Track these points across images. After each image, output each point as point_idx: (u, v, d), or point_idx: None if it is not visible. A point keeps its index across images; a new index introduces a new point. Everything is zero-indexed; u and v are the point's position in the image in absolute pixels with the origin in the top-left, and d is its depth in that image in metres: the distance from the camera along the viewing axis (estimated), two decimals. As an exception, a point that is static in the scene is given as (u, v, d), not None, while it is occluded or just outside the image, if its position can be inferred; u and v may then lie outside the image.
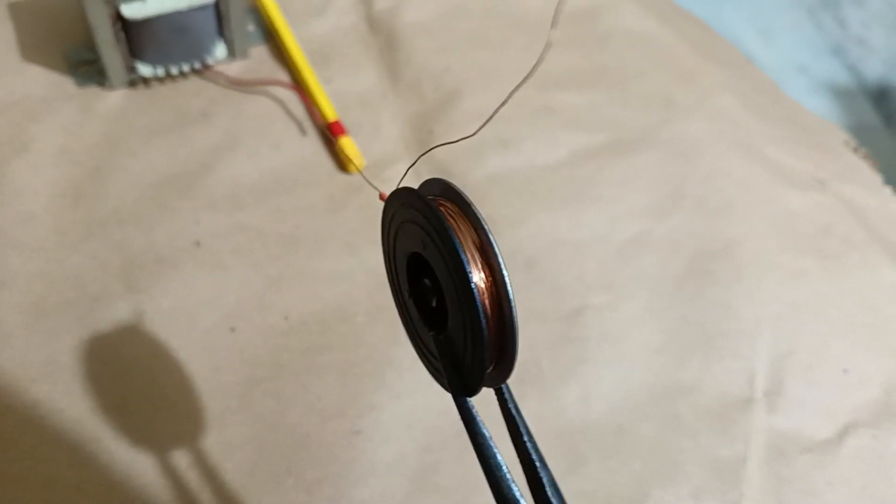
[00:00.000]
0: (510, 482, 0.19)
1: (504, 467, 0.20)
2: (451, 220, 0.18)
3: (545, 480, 0.20)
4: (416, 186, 0.20)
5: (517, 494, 0.19)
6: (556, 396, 0.34)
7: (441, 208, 0.19)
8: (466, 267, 0.18)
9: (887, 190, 0.48)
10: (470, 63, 0.45)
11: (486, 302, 0.18)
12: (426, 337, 0.21)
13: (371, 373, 0.33)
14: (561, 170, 0.41)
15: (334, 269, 0.36)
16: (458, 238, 0.18)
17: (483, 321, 0.18)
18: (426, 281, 0.20)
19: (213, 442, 0.32)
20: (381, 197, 0.22)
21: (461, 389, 0.20)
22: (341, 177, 0.40)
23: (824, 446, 0.34)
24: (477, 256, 0.18)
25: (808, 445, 0.34)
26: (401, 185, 0.20)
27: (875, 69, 0.91)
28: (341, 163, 0.40)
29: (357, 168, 0.40)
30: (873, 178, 0.48)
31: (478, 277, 0.18)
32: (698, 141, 0.43)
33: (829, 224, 0.42)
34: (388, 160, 0.41)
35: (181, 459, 0.31)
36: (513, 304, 0.18)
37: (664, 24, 0.50)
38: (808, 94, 0.88)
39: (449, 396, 0.32)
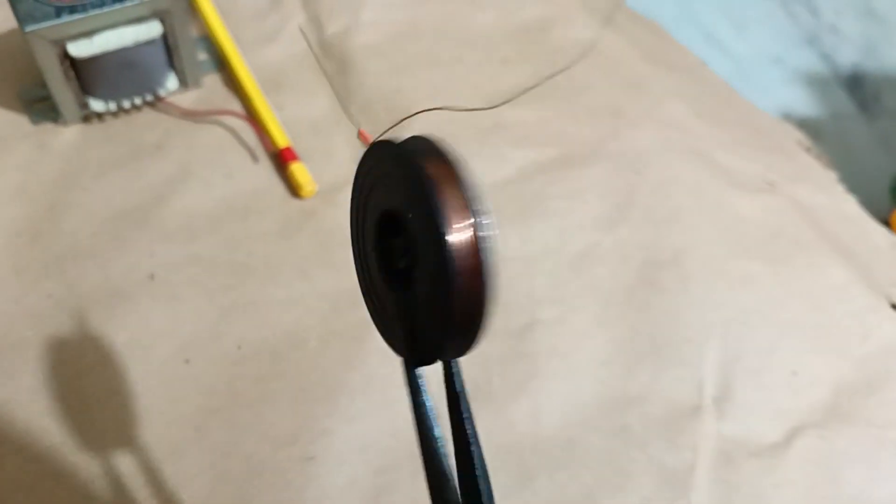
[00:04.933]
0: (444, 456, 0.19)
1: (440, 440, 0.19)
2: (433, 178, 0.17)
3: (476, 457, 0.20)
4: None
5: (447, 469, 0.19)
6: (507, 413, 0.35)
7: (425, 165, 0.18)
8: (443, 229, 0.16)
9: (840, 188, 0.48)
10: (421, 83, 0.45)
11: (462, 267, 0.17)
12: (385, 298, 0.20)
13: (324, 398, 0.34)
14: (510, 187, 0.41)
15: (287, 295, 0.37)
16: (438, 197, 0.17)
17: (453, 286, 0.17)
18: (398, 240, 0.19)
19: (171, 473, 0.32)
20: (361, 135, 0.21)
21: (415, 358, 0.19)
22: (294, 203, 0.40)
23: (772, 450, 0.35)
24: (457, 217, 0.17)
25: (755, 450, 0.35)
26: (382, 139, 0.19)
27: (848, 57, 0.92)
28: (293, 189, 0.41)
29: (308, 193, 0.40)
30: (826, 176, 0.49)
31: (456, 239, 0.17)
32: (647, 151, 0.44)
33: (778, 227, 0.43)
34: (341, 184, 0.41)
35: (140, 492, 0.32)
36: (488, 272, 0.17)
37: (615, 34, 0.50)
38: (783, 85, 0.89)
39: (401, 417, 0.33)
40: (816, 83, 0.89)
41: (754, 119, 0.51)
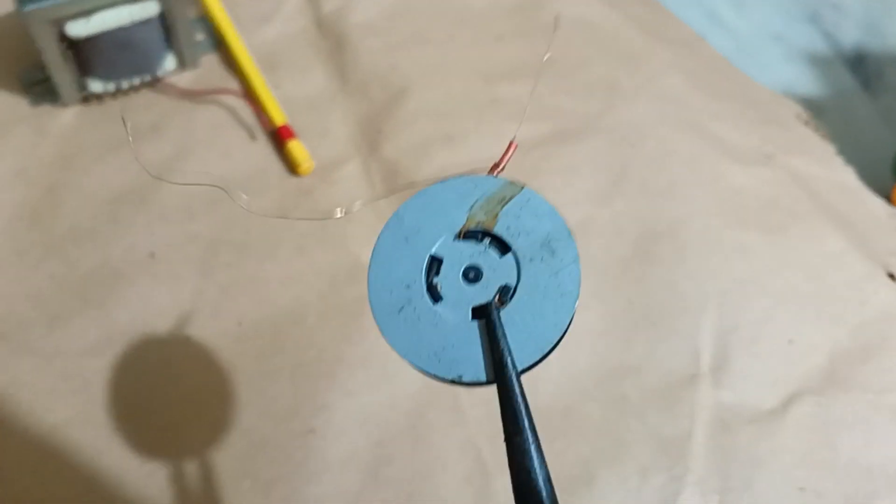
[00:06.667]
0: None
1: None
2: None
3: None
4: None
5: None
6: (505, 384, 0.35)
7: None
8: None
9: (838, 160, 0.48)
10: (416, 61, 0.45)
11: None
12: None
13: (323, 373, 0.34)
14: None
15: (285, 272, 0.37)
16: None
17: None
18: None
19: (172, 449, 0.33)
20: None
21: None
22: (291, 180, 0.41)
23: (769, 416, 0.35)
24: None
25: (752, 417, 0.35)
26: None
27: (851, 34, 0.91)
28: (291, 167, 0.41)
29: (306, 170, 0.41)
30: (824, 148, 0.49)
31: None
32: (643, 124, 0.44)
33: (774, 197, 0.43)
34: (337, 161, 0.42)
35: (142, 468, 0.32)
36: None
37: (611, 9, 0.50)
38: (784, 62, 0.88)
39: (400, 390, 0.33)
40: (818, 60, 0.89)
41: (752, 92, 0.51)
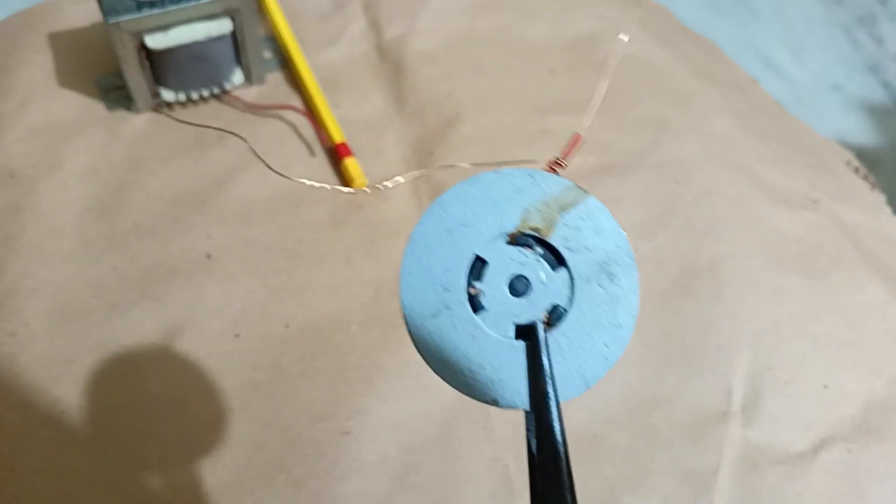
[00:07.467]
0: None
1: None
2: None
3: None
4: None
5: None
6: (536, 405, 0.36)
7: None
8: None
9: (887, 210, 0.48)
10: (472, 89, 0.47)
11: None
12: None
13: (361, 378, 0.36)
14: (552, 190, 0.43)
15: (332, 280, 0.39)
16: None
17: None
18: None
19: (213, 439, 0.34)
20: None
21: None
22: (345, 195, 0.42)
23: (798, 459, 0.35)
24: None
25: (781, 458, 0.35)
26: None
27: (913, 87, 0.90)
28: (345, 182, 0.43)
29: (359, 186, 0.42)
30: (874, 198, 0.49)
31: None
32: (689, 162, 0.44)
33: (817, 243, 0.43)
34: (389, 179, 0.43)
35: (182, 454, 0.34)
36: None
37: (665, 48, 0.51)
38: (841, 112, 0.88)
39: (433, 402, 0.34)
40: (877, 112, 0.88)
41: (802, 137, 0.51)
